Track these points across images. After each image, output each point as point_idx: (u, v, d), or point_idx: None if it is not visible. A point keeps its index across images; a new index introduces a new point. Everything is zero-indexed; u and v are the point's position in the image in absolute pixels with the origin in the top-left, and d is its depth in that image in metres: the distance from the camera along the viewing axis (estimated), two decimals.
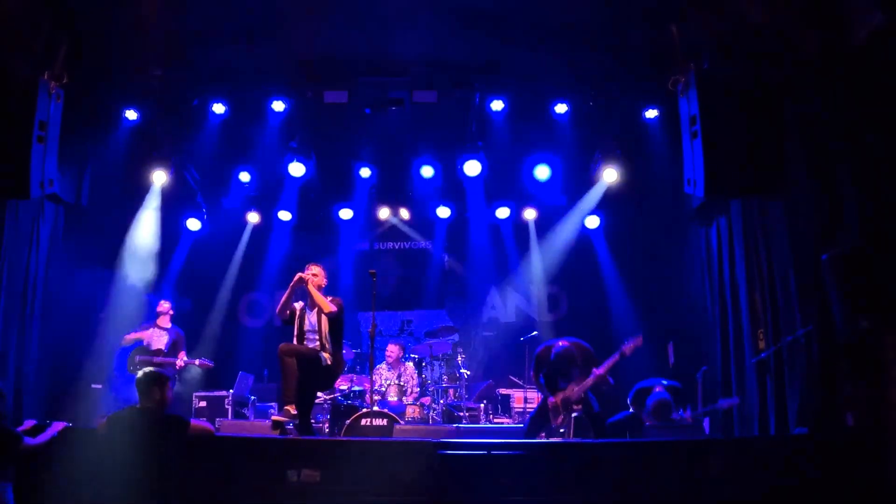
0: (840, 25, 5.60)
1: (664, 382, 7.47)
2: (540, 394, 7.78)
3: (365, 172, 10.18)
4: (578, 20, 7.42)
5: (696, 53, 6.72)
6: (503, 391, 9.46)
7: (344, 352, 7.22)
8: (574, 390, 7.17)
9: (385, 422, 6.84)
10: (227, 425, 7.13)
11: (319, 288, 6.77)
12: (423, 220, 11.13)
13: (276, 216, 10.66)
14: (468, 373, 9.29)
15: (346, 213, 10.91)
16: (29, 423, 5.52)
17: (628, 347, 7.25)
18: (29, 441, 5.25)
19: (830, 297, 5.41)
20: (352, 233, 11.17)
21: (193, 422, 5.31)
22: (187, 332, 9.19)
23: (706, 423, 7.69)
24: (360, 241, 11.34)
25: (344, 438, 6.60)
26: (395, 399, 8.55)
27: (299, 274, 6.75)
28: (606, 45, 7.73)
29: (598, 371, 7.17)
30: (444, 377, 9.02)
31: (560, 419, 7.19)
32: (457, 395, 9.00)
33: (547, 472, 5.43)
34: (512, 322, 11.03)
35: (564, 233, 10.57)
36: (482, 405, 9.19)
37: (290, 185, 10.18)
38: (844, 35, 5.56)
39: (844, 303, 5.22)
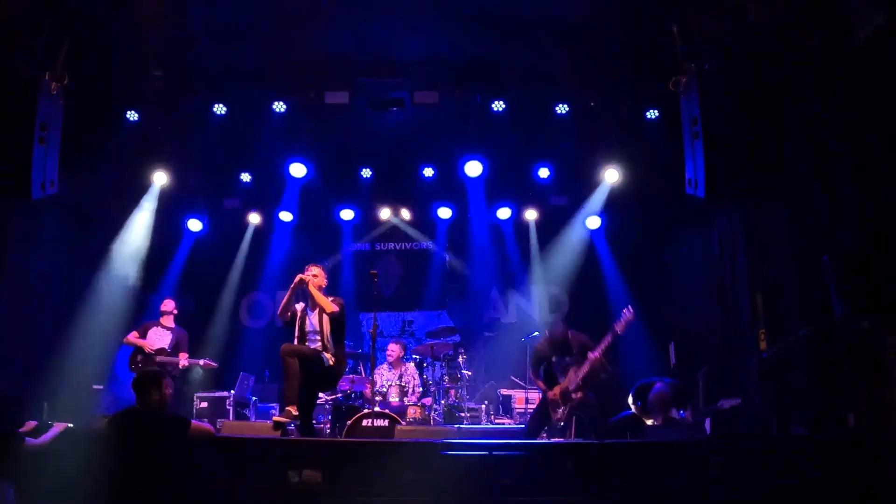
0: (840, 25, 5.61)
1: (666, 381, 7.46)
2: (540, 394, 7.77)
3: (366, 173, 10.21)
4: (579, 20, 7.42)
5: (697, 54, 6.71)
6: (504, 392, 9.45)
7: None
8: (572, 379, 7.14)
9: (386, 422, 6.83)
10: (229, 426, 7.12)
11: (320, 288, 6.77)
12: (424, 220, 11.13)
13: (278, 217, 10.67)
14: (469, 373, 9.28)
15: (347, 214, 10.94)
16: (30, 424, 5.52)
17: (620, 325, 7.05)
18: (30, 441, 5.26)
19: (831, 298, 5.41)
20: (353, 233, 11.19)
21: (194, 423, 5.29)
22: (189, 333, 9.19)
23: (707, 424, 7.69)
24: (361, 241, 11.35)
25: (345, 439, 6.60)
26: (397, 400, 8.53)
27: (299, 275, 6.74)
28: (607, 45, 7.73)
29: (594, 354, 7.05)
30: (446, 378, 9.01)
31: (560, 412, 7.17)
32: (458, 395, 8.99)
33: (548, 472, 5.44)
34: (513, 322, 11.01)
35: (565, 233, 10.59)
36: (483, 406, 9.19)
37: (292, 185, 10.20)
38: (845, 35, 5.57)
39: (844, 303, 5.23)
